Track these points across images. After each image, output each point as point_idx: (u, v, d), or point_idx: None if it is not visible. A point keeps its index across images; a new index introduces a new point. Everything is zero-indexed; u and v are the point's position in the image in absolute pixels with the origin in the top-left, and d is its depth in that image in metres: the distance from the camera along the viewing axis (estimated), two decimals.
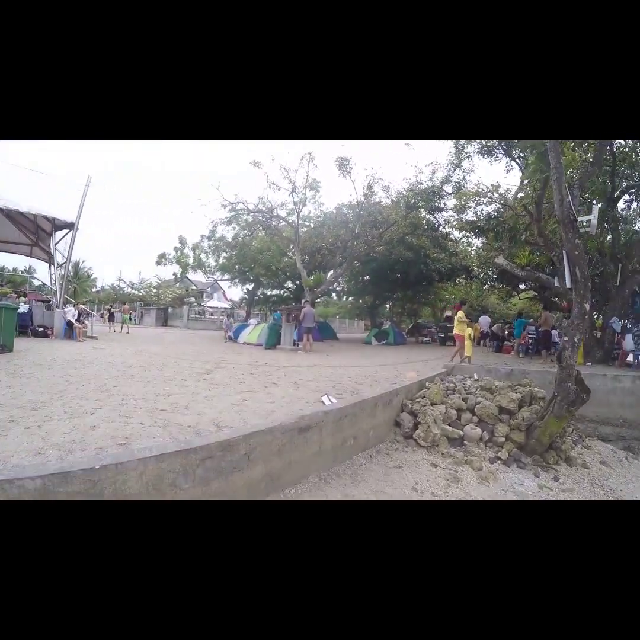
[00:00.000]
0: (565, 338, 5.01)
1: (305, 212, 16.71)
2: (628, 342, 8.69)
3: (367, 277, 21.21)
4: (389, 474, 4.07)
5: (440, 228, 17.70)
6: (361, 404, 4.37)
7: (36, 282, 23.23)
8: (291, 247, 15.38)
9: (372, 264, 17.53)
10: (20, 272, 30.10)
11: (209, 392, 4.72)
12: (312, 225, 18.22)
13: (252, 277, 21.48)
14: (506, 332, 15.56)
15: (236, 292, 30.02)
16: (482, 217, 12.60)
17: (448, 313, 20.68)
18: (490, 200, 12.11)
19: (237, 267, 19.99)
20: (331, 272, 14.81)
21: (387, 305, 30.74)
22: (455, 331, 9.18)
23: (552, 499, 4.01)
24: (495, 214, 12.09)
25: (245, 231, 18.15)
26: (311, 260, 16.95)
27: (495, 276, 17.59)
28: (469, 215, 13.17)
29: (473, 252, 17.97)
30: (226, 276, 22.82)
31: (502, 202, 11.90)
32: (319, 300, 32.51)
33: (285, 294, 23.37)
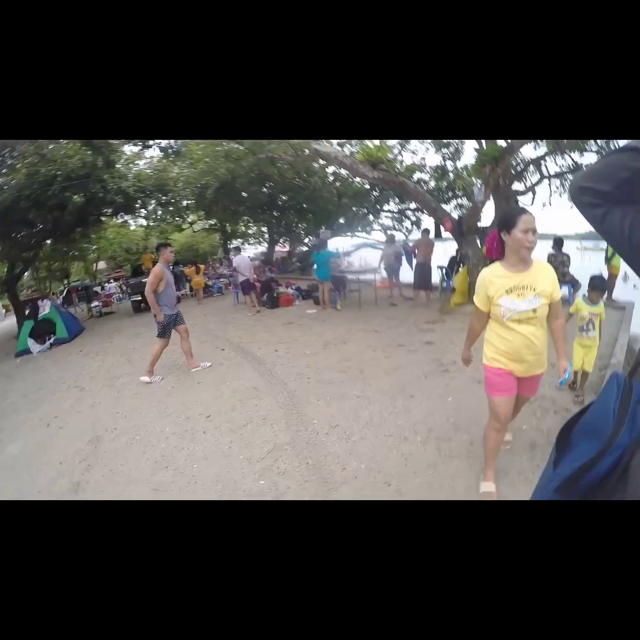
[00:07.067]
0: None
1: None
2: None
3: None
4: None
5: None
6: None
7: None
8: None
9: None
10: None
11: None
12: None
13: None
14: (272, 274, 10.66)
15: None
16: None
17: (102, 263, 13.38)
18: None
19: None
20: None
21: (29, 272, 16.66)
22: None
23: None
24: None
25: None
26: None
27: (213, 196, 10.92)
28: None
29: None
30: None
31: None
32: None
33: None
